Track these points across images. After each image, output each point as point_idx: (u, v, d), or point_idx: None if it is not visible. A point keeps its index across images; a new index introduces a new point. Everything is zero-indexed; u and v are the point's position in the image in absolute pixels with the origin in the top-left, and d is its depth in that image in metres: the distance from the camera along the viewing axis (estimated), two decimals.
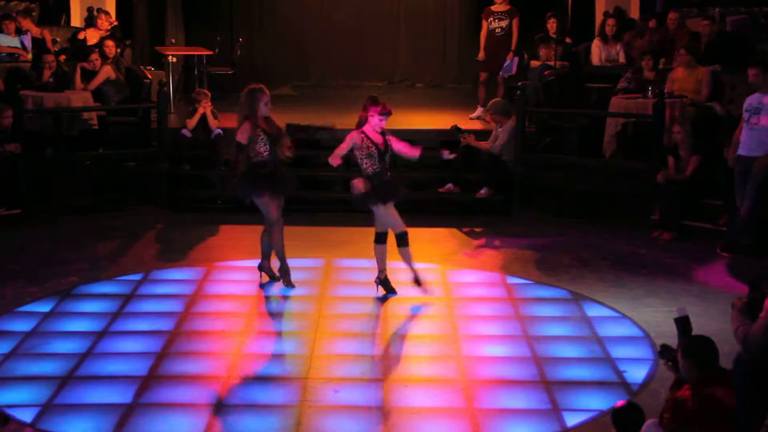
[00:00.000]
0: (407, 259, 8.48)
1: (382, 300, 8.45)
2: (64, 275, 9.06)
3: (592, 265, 9.61)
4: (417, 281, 8.50)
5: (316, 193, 11.76)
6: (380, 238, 8.50)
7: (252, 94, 8.42)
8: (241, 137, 8.38)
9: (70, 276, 9.04)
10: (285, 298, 8.57)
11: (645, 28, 13.76)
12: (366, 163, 8.32)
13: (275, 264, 8.78)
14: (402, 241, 8.40)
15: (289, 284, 8.70)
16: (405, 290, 8.66)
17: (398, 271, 8.83)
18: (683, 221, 10.55)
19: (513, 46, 13.50)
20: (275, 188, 8.52)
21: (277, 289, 8.75)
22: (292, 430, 6.07)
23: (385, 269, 8.55)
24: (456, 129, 11.79)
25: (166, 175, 11.85)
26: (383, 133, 8.37)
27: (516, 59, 13.41)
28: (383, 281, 8.56)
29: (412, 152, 8.60)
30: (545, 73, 12.99)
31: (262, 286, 8.76)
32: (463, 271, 9.44)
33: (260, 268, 8.88)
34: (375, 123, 8.30)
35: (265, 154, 8.44)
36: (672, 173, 10.60)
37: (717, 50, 12.37)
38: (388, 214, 8.40)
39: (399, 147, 8.53)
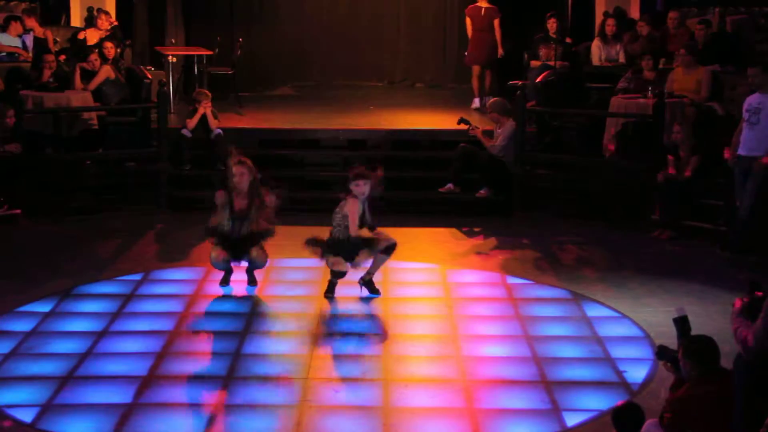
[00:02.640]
0: (376, 265, 8.44)
1: (373, 300, 8.45)
2: (65, 275, 9.05)
3: (592, 265, 9.61)
4: (367, 283, 8.47)
5: (316, 193, 11.75)
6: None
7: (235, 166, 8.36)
8: (217, 198, 8.46)
9: (71, 276, 9.03)
10: (284, 298, 8.58)
11: (638, 34, 13.70)
12: (338, 228, 8.34)
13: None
14: (387, 251, 8.38)
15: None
16: (405, 290, 8.67)
17: (397, 272, 8.84)
18: (683, 221, 10.54)
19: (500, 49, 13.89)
20: (230, 251, 8.49)
21: (278, 289, 8.77)
22: (292, 430, 6.07)
23: (373, 272, 8.51)
24: (463, 120, 11.81)
25: (166, 175, 11.84)
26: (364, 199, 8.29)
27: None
28: (367, 282, 8.53)
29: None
30: (543, 74, 12.99)
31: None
32: (463, 271, 9.43)
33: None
34: (357, 192, 8.28)
35: (227, 228, 8.45)
36: (672, 173, 10.59)
37: (715, 51, 12.36)
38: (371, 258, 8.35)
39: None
